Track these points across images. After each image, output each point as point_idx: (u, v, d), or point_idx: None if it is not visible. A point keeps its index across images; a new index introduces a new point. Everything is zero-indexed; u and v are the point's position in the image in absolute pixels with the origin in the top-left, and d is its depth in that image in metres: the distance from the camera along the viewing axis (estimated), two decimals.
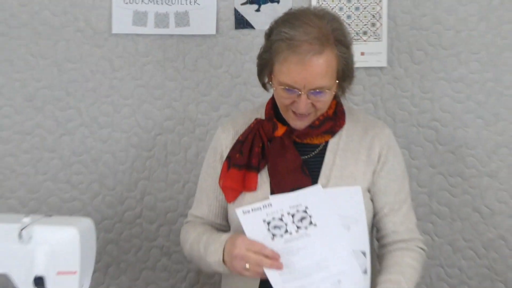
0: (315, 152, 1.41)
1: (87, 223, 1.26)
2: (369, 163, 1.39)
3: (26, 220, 1.19)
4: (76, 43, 1.84)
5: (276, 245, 1.27)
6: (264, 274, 1.25)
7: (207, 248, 1.38)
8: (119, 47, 1.84)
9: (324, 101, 1.34)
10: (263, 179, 1.38)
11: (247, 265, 1.26)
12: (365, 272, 1.26)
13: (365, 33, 1.76)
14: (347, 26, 1.63)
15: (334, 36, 1.29)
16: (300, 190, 1.34)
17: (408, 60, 1.80)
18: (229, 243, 1.33)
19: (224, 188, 1.42)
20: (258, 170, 1.38)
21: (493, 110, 1.79)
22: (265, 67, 1.38)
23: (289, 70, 1.29)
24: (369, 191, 1.38)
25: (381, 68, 1.81)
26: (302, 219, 1.29)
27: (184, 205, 1.89)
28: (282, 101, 1.35)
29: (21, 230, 1.17)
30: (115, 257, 1.93)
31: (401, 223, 1.39)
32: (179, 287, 1.92)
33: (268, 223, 1.29)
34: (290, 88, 1.30)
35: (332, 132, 1.41)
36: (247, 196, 1.38)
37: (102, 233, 1.90)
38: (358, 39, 1.74)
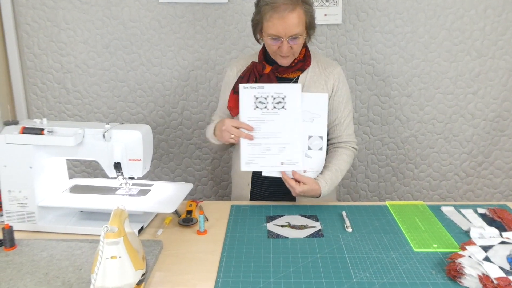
0: (290, 83, 1.66)
1: (147, 128, 1.50)
2: (326, 90, 1.67)
3: (107, 126, 1.45)
4: (135, 9, 2.25)
5: (255, 113, 1.56)
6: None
7: (208, 130, 1.74)
8: (164, 11, 2.25)
9: (298, 44, 1.58)
10: None
11: (232, 136, 1.56)
12: (321, 149, 1.58)
13: (327, 0, 2.20)
14: None
15: None
16: (287, 84, 1.59)
17: (356, 19, 2.24)
18: (219, 123, 1.62)
19: (229, 108, 1.69)
20: None
21: (410, 52, 2.27)
22: (257, 26, 1.60)
23: (274, 25, 1.51)
24: None
25: (337, 25, 2.24)
26: (278, 102, 1.56)
27: (209, 116, 2.36)
28: (271, 48, 1.59)
29: (104, 132, 1.42)
30: (165, 150, 2.45)
31: (343, 130, 1.71)
32: (207, 168, 2.46)
33: (256, 98, 1.56)
34: (275, 37, 1.54)
35: (302, 69, 1.67)
36: None
37: (157, 135, 2.41)
38: (322, 5, 2.20)
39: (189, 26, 2.29)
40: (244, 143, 1.56)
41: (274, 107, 1.56)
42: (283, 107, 1.56)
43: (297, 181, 1.55)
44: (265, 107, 1.56)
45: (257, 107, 1.56)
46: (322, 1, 2.23)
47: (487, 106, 2.33)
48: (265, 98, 1.56)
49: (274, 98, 1.56)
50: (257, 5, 1.60)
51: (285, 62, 1.64)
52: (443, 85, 2.31)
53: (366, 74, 2.32)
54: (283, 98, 1.56)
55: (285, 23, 1.50)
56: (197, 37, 2.31)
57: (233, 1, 2.25)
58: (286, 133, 1.56)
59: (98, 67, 2.35)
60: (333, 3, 2.23)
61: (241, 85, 1.57)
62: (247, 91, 1.57)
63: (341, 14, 2.24)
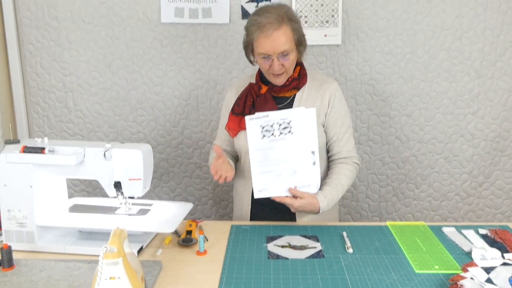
0: (287, 102, 1.71)
1: (147, 147, 1.52)
2: (322, 107, 1.68)
3: (108, 145, 1.45)
4: (137, 29, 2.28)
5: (263, 142, 1.57)
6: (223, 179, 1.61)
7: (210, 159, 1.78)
8: (165, 31, 2.27)
9: (289, 62, 1.60)
10: None
11: (216, 178, 1.63)
12: (314, 164, 1.56)
13: (327, 21, 2.22)
14: (313, 15, 2.18)
15: (287, 16, 1.57)
16: (290, 109, 1.60)
17: (355, 39, 2.26)
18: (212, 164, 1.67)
19: (228, 129, 1.74)
20: None
21: (410, 72, 2.28)
22: (248, 47, 1.66)
23: (261, 44, 1.56)
24: (323, 126, 1.69)
25: (337, 45, 2.26)
26: (285, 128, 1.57)
27: (209, 136, 2.38)
28: (263, 67, 1.63)
29: (105, 152, 1.44)
30: (166, 169, 2.45)
31: (343, 146, 1.71)
32: (207, 188, 2.46)
33: (263, 128, 1.57)
34: (265, 56, 1.58)
35: (298, 88, 1.69)
36: (242, 133, 1.70)
37: (157, 154, 2.42)
38: (322, 26, 2.22)
39: (191, 46, 2.31)
40: (255, 172, 1.57)
41: (281, 133, 1.56)
42: (289, 132, 1.56)
43: (294, 197, 1.55)
44: (272, 134, 1.57)
45: (264, 136, 1.57)
46: (322, 22, 2.25)
47: (487, 126, 2.33)
48: (271, 126, 1.57)
49: (280, 125, 1.57)
50: (246, 28, 1.64)
51: (278, 81, 1.66)
52: (443, 105, 2.32)
53: (366, 94, 2.33)
54: (288, 123, 1.56)
55: (272, 41, 1.54)
56: (198, 57, 2.33)
57: (234, 22, 2.27)
58: (295, 157, 1.56)
59: (100, 86, 2.37)
60: (333, 24, 2.25)
61: (247, 117, 1.59)
62: (253, 122, 1.58)
63: (341, 34, 2.26)
